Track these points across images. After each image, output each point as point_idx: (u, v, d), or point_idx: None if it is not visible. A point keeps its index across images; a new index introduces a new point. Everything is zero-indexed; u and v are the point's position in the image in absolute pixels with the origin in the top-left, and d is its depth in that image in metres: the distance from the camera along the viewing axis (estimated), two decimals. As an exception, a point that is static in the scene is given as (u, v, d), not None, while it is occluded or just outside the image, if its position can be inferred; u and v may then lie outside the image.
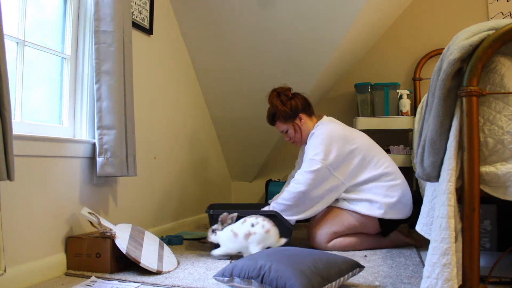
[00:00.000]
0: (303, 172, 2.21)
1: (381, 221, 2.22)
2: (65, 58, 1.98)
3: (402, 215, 2.24)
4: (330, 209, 2.28)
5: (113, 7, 1.95)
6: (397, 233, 2.31)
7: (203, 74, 3.10)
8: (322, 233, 2.22)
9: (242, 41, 2.87)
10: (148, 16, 2.45)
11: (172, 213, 2.75)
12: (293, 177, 2.30)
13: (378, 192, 2.23)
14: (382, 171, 2.25)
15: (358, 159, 2.25)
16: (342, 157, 2.22)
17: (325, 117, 2.44)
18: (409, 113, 3.04)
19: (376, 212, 2.20)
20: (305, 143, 2.40)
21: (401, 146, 3.04)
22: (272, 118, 2.43)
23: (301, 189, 2.16)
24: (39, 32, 1.88)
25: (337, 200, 2.28)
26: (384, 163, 2.29)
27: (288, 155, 3.64)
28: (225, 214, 2.04)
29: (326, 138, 2.24)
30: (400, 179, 2.28)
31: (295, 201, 2.17)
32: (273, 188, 3.35)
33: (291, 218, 2.17)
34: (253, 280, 1.43)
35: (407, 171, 3.02)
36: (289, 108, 2.36)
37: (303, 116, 2.39)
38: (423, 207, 1.45)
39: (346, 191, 2.26)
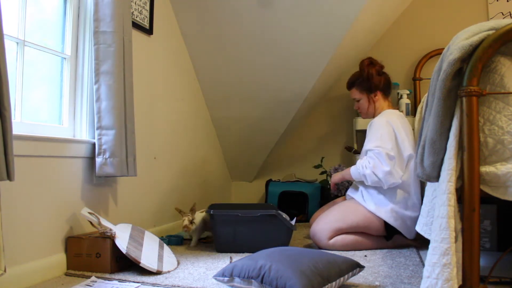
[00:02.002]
0: (377, 153, 2.20)
1: (387, 225, 2.22)
2: (65, 58, 1.98)
3: (406, 232, 2.23)
4: (337, 204, 2.29)
5: (113, 7, 1.94)
6: (399, 236, 2.31)
7: (203, 74, 3.10)
8: (325, 228, 2.22)
9: (242, 41, 2.87)
10: (148, 16, 2.45)
11: (172, 213, 2.75)
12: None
13: (398, 196, 2.23)
14: (409, 180, 2.25)
15: (411, 163, 2.26)
16: (401, 156, 2.25)
17: (396, 110, 2.47)
18: (404, 113, 3.04)
19: (383, 214, 2.20)
20: (370, 117, 2.48)
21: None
22: (353, 83, 2.50)
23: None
24: (39, 32, 1.88)
25: (355, 189, 2.33)
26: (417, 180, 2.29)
27: (288, 155, 3.65)
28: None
29: (388, 130, 2.25)
30: (419, 203, 2.25)
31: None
32: (273, 188, 3.35)
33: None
34: (253, 280, 1.43)
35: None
36: (376, 81, 2.42)
37: (379, 94, 2.44)
38: (423, 207, 1.45)
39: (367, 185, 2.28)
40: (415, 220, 2.20)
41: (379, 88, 2.43)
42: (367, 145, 2.29)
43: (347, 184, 2.72)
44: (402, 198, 2.23)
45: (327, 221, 2.24)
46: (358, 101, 2.50)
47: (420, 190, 2.30)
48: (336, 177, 2.44)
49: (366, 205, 2.24)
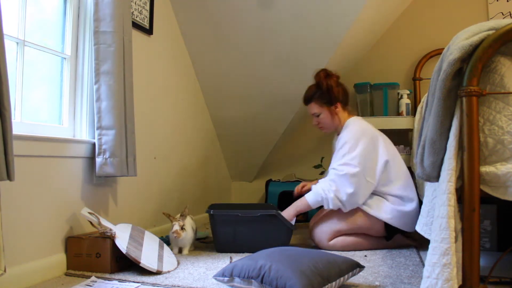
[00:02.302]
0: (339, 175, 2.17)
1: (387, 225, 2.22)
2: (65, 58, 1.98)
3: (407, 228, 2.23)
4: None
5: (113, 7, 1.94)
6: (399, 235, 2.31)
7: (203, 74, 3.10)
8: (325, 230, 2.22)
9: (242, 41, 2.87)
10: (148, 16, 2.45)
11: (172, 213, 2.75)
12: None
13: (394, 194, 2.23)
14: (401, 177, 2.25)
15: (390, 165, 2.24)
16: (374, 160, 2.22)
17: (356, 116, 2.43)
18: (404, 113, 3.04)
19: (384, 216, 2.20)
20: (332, 130, 2.42)
21: (401, 146, 3.04)
22: (311, 97, 2.38)
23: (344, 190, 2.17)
24: (39, 32, 1.88)
25: None
26: (404, 173, 2.30)
27: (288, 155, 3.65)
28: None
29: (360, 142, 2.21)
30: (414, 194, 2.26)
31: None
32: (273, 188, 3.35)
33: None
34: (253, 280, 1.43)
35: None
36: (335, 93, 2.35)
37: (339, 105, 2.37)
38: (423, 207, 1.45)
39: None
40: (413, 213, 2.22)
41: (338, 100, 2.35)
42: (332, 163, 2.26)
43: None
44: (398, 194, 2.23)
45: (327, 223, 2.23)
46: (318, 115, 2.39)
47: (412, 179, 2.32)
48: (289, 213, 2.23)
49: (366, 208, 2.22)
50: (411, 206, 2.22)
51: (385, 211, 2.20)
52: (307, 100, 2.41)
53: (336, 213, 2.25)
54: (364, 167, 2.17)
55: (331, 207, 2.18)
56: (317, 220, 2.30)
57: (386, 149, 2.26)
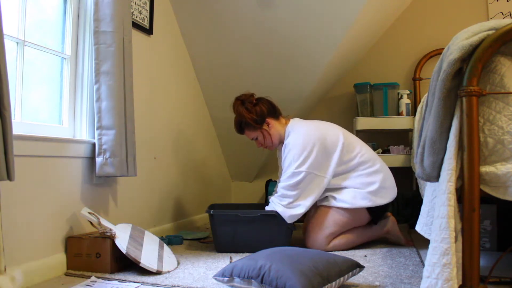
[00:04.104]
0: (288, 187, 2.17)
1: (369, 209, 2.24)
2: (65, 58, 1.98)
3: (387, 199, 2.26)
4: (319, 210, 2.27)
5: (113, 7, 1.94)
6: (391, 222, 2.34)
7: (203, 74, 3.10)
8: (320, 238, 2.21)
9: (242, 41, 2.87)
10: (148, 16, 2.45)
11: (172, 213, 2.75)
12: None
13: (358, 182, 2.23)
14: (358, 160, 2.25)
15: (337, 155, 2.23)
16: (323, 157, 2.21)
17: (294, 119, 2.39)
18: (404, 113, 3.04)
19: (361, 202, 2.21)
20: (277, 145, 2.40)
21: (401, 146, 3.04)
22: (240, 127, 2.37)
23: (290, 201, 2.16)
24: (39, 32, 1.88)
25: (324, 197, 2.28)
26: (359, 151, 2.28)
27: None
28: None
29: (303, 144, 2.20)
30: (378, 164, 2.28)
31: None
32: (273, 188, 3.34)
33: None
34: (253, 280, 1.43)
35: (407, 171, 3.02)
36: (256, 114, 2.31)
37: (270, 120, 2.34)
38: (423, 207, 1.45)
39: (328, 189, 2.26)
40: (386, 184, 2.25)
41: (266, 116, 2.32)
42: (281, 177, 2.25)
43: None
44: (365, 177, 2.23)
45: (319, 231, 2.22)
46: (257, 138, 2.38)
47: (374, 154, 2.33)
48: None
49: (342, 205, 2.22)
50: (379, 179, 2.24)
51: (361, 197, 2.21)
52: (239, 131, 2.40)
53: (322, 218, 2.24)
54: (312, 169, 2.16)
55: (288, 220, 2.15)
56: (310, 230, 2.27)
57: (333, 140, 2.24)
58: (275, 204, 2.18)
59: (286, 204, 2.15)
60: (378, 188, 2.23)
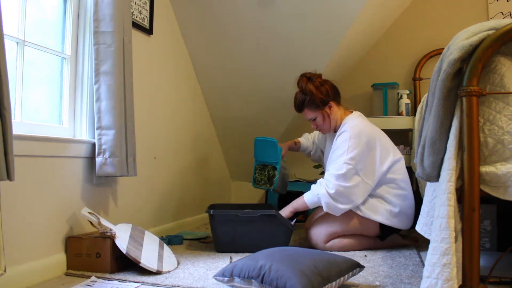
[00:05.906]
0: (333, 175, 2.13)
1: (381, 225, 2.22)
2: (65, 58, 1.98)
3: (402, 226, 2.22)
4: None
5: (113, 7, 1.94)
6: (396, 236, 2.31)
7: (203, 74, 3.10)
8: (321, 232, 2.21)
9: (242, 41, 2.87)
10: (148, 16, 2.45)
11: (172, 213, 2.75)
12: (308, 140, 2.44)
13: (385, 197, 2.21)
14: (395, 177, 2.22)
15: (387, 164, 2.19)
16: (372, 161, 2.17)
17: (354, 113, 2.36)
18: (404, 113, 3.04)
19: (378, 217, 2.18)
20: (333, 131, 2.34)
21: (401, 146, 3.04)
22: (301, 105, 2.30)
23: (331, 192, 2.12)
24: (39, 32, 1.88)
25: None
26: (400, 168, 2.25)
27: (288, 155, 3.64)
28: None
29: (358, 142, 2.15)
30: (408, 190, 2.25)
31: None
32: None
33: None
34: (253, 280, 1.43)
35: (407, 171, 3.02)
36: (322, 94, 2.26)
37: (333, 104, 2.29)
38: (423, 207, 1.45)
39: None
40: (408, 211, 2.21)
41: (330, 99, 2.27)
42: (328, 165, 2.21)
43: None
44: (394, 195, 2.21)
45: (323, 225, 2.22)
46: (315, 119, 2.32)
47: (408, 176, 2.29)
48: (286, 212, 2.23)
49: (360, 211, 2.19)
50: (405, 204, 2.21)
51: (379, 212, 2.18)
52: (299, 108, 2.34)
53: (330, 216, 2.22)
54: (360, 168, 2.13)
55: (324, 207, 2.14)
56: (313, 222, 2.29)
57: (386, 150, 2.22)
58: (321, 186, 2.14)
59: (333, 193, 2.10)
60: (398, 212, 2.19)
